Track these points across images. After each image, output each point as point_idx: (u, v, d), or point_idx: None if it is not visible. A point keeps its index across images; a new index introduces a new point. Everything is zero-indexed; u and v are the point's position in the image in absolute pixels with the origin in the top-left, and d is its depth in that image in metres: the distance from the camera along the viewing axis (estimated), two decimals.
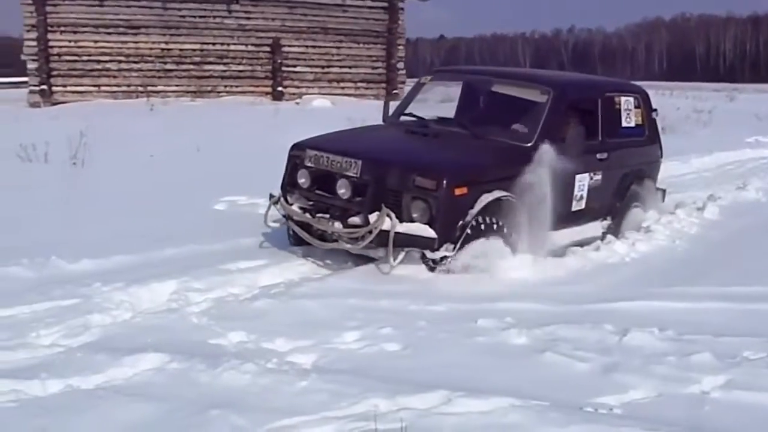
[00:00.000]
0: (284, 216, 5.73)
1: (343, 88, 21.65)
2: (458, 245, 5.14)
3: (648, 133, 7.04)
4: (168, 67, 19.95)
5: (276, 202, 5.71)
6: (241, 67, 20.70)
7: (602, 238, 6.46)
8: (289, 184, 5.74)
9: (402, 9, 22.29)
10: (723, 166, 12.17)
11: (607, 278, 5.57)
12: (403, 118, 6.66)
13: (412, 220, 5.11)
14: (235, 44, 20.53)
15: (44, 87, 18.87)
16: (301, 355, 3.87)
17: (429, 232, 5.03)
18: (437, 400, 3.30)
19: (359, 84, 21.97)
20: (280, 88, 20.90)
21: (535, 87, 6.14)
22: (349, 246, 5.33)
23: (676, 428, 3.15)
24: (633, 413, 3.29)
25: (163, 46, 19.86)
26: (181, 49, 20.00)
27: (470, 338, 4.12)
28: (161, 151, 10.57)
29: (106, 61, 19.41)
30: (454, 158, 5.56)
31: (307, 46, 21.31)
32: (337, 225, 5.26)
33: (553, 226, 5.82)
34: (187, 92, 19.90)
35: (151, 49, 19.77)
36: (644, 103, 6.98)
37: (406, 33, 22.98)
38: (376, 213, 5.08)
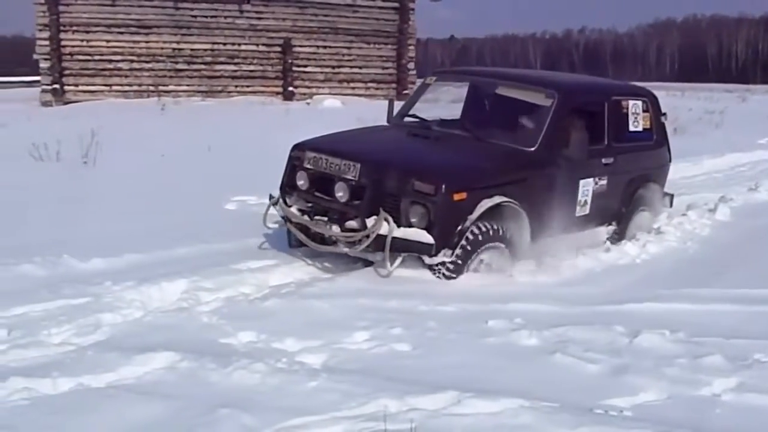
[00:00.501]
0: (283, 218, 5.68)
1: (353, 88, 21.65)
2: (456, 251, 5.08)
3: (656, 137, 6.95)
4: (179, 66, 20.00)
5: (275, 204, 5.68)
6: (251, 67, 20.73)
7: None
8: (287, 186, 5.70)
9: (413, 9, 22.26)
10: (735, 168, 12.10)
11: (618, 280, 5.55)
12: (407, 119, 6.61)
13: (410, 225, 5.05)
14: (246, 44, 20.56)
15: (56, 86, 18.96)
16: (311, 355, 3.87)
17: (426, 238, 4.96)
18: (447, 401, 3.30)
19: (369, 84, 21.97)
20: (290, 88, 20.92)
21: (540, 90, 6.04)
22: (346, 250, 5.27)
23: (686, 431, 3.13)
24: (643, 415, 3.28)
25: (174, 45, 19.91)
26: (192, 49, 20.05)
27: (480, 339, 4.11)
28: (172, 150, 10.60)
29: (117, 61, 19.48)
30: (454, 162, 5.48)
31: (317, 47, 21.32)
32: (335, 228, 5.22)
33: (556, 232, 5.77)
34: (198, 92, 19.94)
35: (162, 48, 19.83)
36: (652, 107, 6.89)
37: (416, 33, 22.96)
38: (374, 217, 5.04)
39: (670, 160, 7.22)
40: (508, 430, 3.08)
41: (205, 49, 20.17)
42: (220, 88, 20.27)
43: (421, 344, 4.01)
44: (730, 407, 3.38)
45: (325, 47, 21.45)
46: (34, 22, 18.92)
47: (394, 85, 22.08)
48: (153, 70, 19.74)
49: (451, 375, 3.61)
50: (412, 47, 22.64)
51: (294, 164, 5.69)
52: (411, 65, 22.44)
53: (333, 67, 21.64)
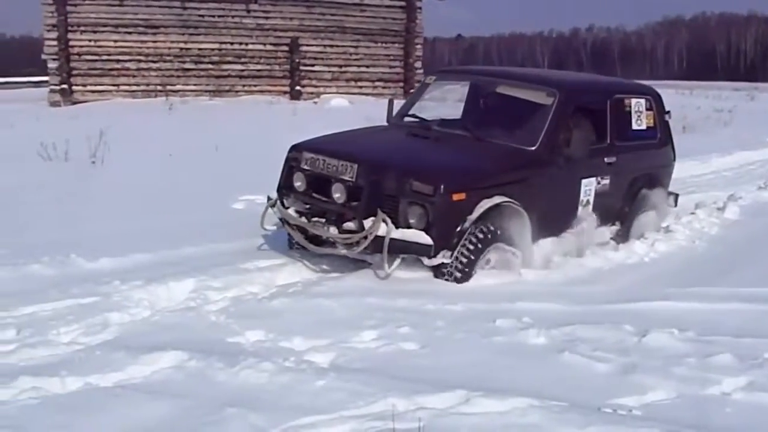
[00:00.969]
0: (280, 219, 5.62)
1: (360, 87, 21.65)
2: (459, 254, 5.03)
3: (660, 136, 6.86)
4: (187, 66, 20.03)
5: (272, 205, 5.61)
6: (259, 67, 20.74)
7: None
8: (285, 187, 5.63)
9: (420, 8, 22.24)
10: (744, 166, 12.07)
11: (627, 278, 5.54)
12: (406, 119, 6.53)
13: (409, 226, 4.98)
14: (253, 43, 20.57)
15: (64, 86, 19.00)
16: (319, 353, 3.87)
17: (425, 239, 4.90)
18: (455, 400, 3.29)
19: (377, 83, 21.96)
20: (298, 88, 20.92)
21: (541, 89, 5.98)
22: (344, 251, 5.21)
23: (696, 430, 3.12)
24: (652, 414, 3.26)
25: (182, 45, 19.94)
26: (199, 49, 20.07)
27: (488, 338, 4.10)
28: (180, 150, 10.61)
29: (125, 61, 19.52)
30: (453, 162, 5.42)
31: (325, 46, 21.33)
32: (332, 230, 5.15)
33: (557, 233, 5.72)
34: (206, 91, 19.97)
35: (170, 48, 19.86)
36: (656, 105, 6.81)
37: (423, 32, 22.96)
38: (372, 218, 4.98)
39: (674, 159, 7.16)
40: (516, 430, 3.07)
41: (213, 49, 20.19)
42: (227, 88, 20.29)
43: (429, 343, 4.01)
44: (740, 406, 3.35)
45: (332, 46, 21.45)
46: (42, 23, 18.97)
47: (401, 84, 22.07)
48: (161, 69, 19.77)
49: (459, 374, 3.60)
50: (419, 46, 22.61)
51: (291, 165, 5.63)
52: (418, 64, 22.42)
53: (340, 66, 21.64)
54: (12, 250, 5.54)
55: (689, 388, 3.50)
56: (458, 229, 5.01)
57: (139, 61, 19.63)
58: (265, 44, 20.69)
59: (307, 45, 21.07)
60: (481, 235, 5.10)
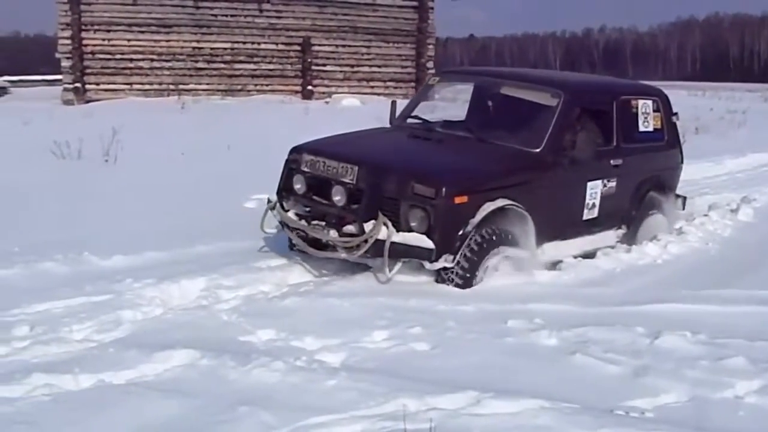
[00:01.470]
0: (280, 222, 5.52)
1: (372, 87, 21.65)
2: (460, 258, 4.94)
3: (667, 138, 6.75)
4: (199, 65, 20.10)
5: (272, 208, 5.52)
6: (271, 66, 20.79)
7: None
8: (284, 190, 5.55)
9: (432, 8, 22.23)
10: (757, 168, 11.99)
11: (639, 280, 5.52)
12: (409, 120, 6.44)
13: (410, 230, 4.89)
14: (265, 43, 20.62)
15: (78, 85, 19.11)
16: (330, 353, 3.87)
17: (427, 243, 4.81)
18: (466, 401, 3.29)
19: (389, 83, 21.96)
20: (309, 87, 20.96)
21: (546, 90, 5.88)
22: (344, 255, 5.10)
23: None
24: (665, 417, 3.25)
25: (194, 44, 20.01)
26: (212, 48, 20.14)
27: (500, 339, 4.09)
28: (192, 148, 10.65)
29: (138, 60, 19.61)
30: (456, 164, 5.32)
31: (337, 45, 21.35)
32: (332, 233, 5.06)
33: (562, 236, 5.65)
34: (218, 91, 20.03)
35: (182, 47, 19.93)
36: (663, 107, 6.69)
37: (435, 32, 22.93)
38: (372, 222, 4.90)
39: (682, 162, 7.05)
40: (527, 431, 3.06)
41: (225, 48, 20.26)
42: (239, 87, 20.35)
43: (440, 344, 4.00)
44: (754, 410, 3.33)
45: (344, 46, 21.47)
46: (57, 21, 19.09)
47: (413, 84, 22.04)
48: (173, 68, 19.85)
49: (471, 375, 3.60)
50: (431, 46, 22.60)
51: (291, 167, 5.55)
52: (430, 64, 22.40)
53: (352, 66, 21.66)
54: (25, 247, 5.57)
55: (702, 391, 3.48)
56: (460, 232, 4.92)
57: (152, 60, 19.72)
58: (277, 44, 20.74)
59: (319, 45, 21.10)
60: (483, 239, 5.02)
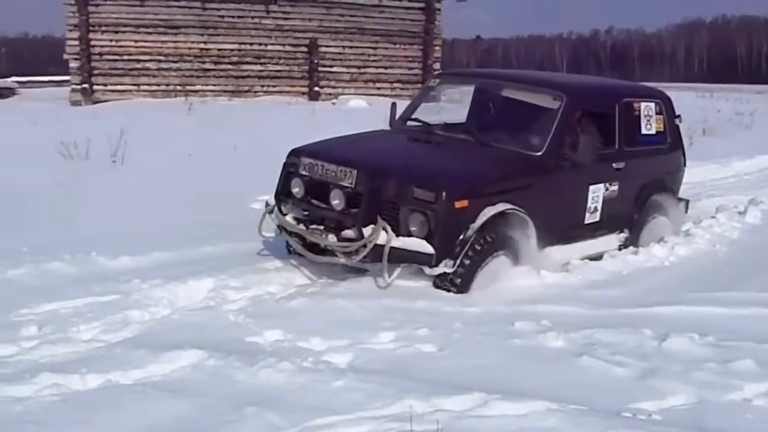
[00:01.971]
0: (278, 226, 5.42)
1: (379, 88, 21.65)
2: (458, 261, 4.86)
3: (670, 141, 6.67)
4: (206, 66, 20.14)
5: (270, 211, 5.44)
6: (278, 67, 20.81)
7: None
8: (283, 193, 5.46)
9: (439, 10, 22.21)
10: (765, 170, 11.94)
11: (646, 282, 5.50)
12: (409, 123, 6.36)
13: (409, 234, 4.82)
14: (272, 44, 20.64)
15: (85, 86, 19.16)
16: (337, 354, 3.87)
17: (426, 248, 4.74)
18: (473, 403, 3.29)
19: (395, 84, 21.95)
20: (316, 88, 20.97)
21: (547, 92, 5.81)
22: (343, 260, 5.04)
23: None
24: (672, 420, 3.24)
25: (201, 46, 20.04)
26: (219, 49, 20.17)
27: (507, 341, 4.09)
28: (199, 149, 10.67)
29: (145, 61, 19.65)
30: (456, 168, 5.25)
31: (343, 47, 21.36)
32: (331, 238, 4.99)
33: (564, 240, 5.59)
34: (225, 92, 20.06)
35: (189, 48, 19.96)
36: (666, 109, 6.63)
37: (442, 34, 22.93)
38: (371, 226, 4.83)
39: (684, 164, 6.99)
40: None
41: (232, 49, 20.28)
42: (246, 88, 20.37)
43: (446, 345, 4.00)
44: (762, 413, 3.33)
45: (351, 47, 21.47)
46: (65, 23, 19.15)
47: (419, 86, 21.98)
48: (180, 69, 19.89)
49: (477, 376, 3.59)
50: (437, 47, 22.59)
51: (289, 171, 5.48)
52: (437, 66, 22.38)
53: (359, 68, 21.67)
54: (33, 247, 5.59)
55: (710, 394, 3.48)
56: (461, 237, 4.85)
57: (159, 61, 19.75)
58: (284, 45, 20.75)
59: (326, 46, 21.11)
60: (481, 244, 4.95)
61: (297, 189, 5.39)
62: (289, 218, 5.33)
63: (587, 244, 5.96)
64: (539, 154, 5.45)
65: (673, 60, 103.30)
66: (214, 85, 20.14)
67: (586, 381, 3.61)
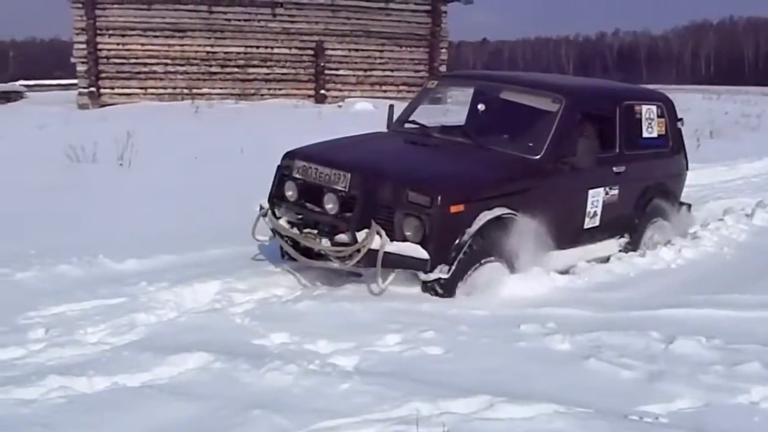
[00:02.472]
0: (272, 230, 5.36)
1: (385, 91, 21.67)
2: (454, 267, 4.78)
3: (672, 144, 6.58)
4: (213, 69, 20.21)
5: (264, 215, 5.38)
6: (284, 70, 20.87)
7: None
8: (276, 197, 5.36)
9: (445, 12, 22.25)
10: None
11: (653, 285, 5.48)
12: (407, 125, 6.28)
13: (404, 239, 4.73)
14: (278, 47, 20.70)
15: (93, 89, 19.26)
16: (343, 357, 3.87)
17: (421, 253, 4.65)
18: (479, 405, 3.28)
19: (401, 87, 21.97)
20: (322, 91, 21.02)
21: (546, 94, 5.72)
22: (336, 265, 4.98)
23: None
24: (679, 423, 3.23)
25: (208, 49, 20.12)
26: (225, 52, 20.24)
27: (513, 343, 4.09)
28: (205, 152, 10.70)
29: (152, 64, 19.74)
30: (452, 171, 5.15)
31: (350, 50, 21.40)
32: (325, 242, 4.91)
33: (562, 245, 5.48)
34: (231, 95, 20.13)
35: (196, 52, 20.04)
36: (668, 112, 6.54)
37: (449, 36, 22.95)
38: (365, 230, 4.74)
39: (686, 168, 6.90)
40: None
41: (239, 53, 20.35)
42: (252, 91, 20.43)
43: (453, 348, 4.00)
44: None
45: (357, 50, 21.52)
46: (72, 26, 19.24)
47: None
48: (187, 73, 19.97)
49: (484, 379, 3.59)
50: (444, 50, 22.62)
51: (283, 174, 5.38)
52: (443, 68, 22.38)
53: (365, 70, 21.71)
54: (41, 250, 5.61)
55: (717, 397, 3.47)
56: (456, 242, 4.78)
57: (166, 64, 19.84)
58: (290, 48, 20.81)
59: (332, 49, 21.16)
60: (472, 249, 4.85)
61: (291, 192, 5.30)
62: (282, 222, 5.26)
63: (586, 249, 5.87)
64: (537, 157, 5.37)
65: (679, 62, 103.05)
66: (220, 88, 20.22)
67: (593, 384, 3.61)
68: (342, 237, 4.87)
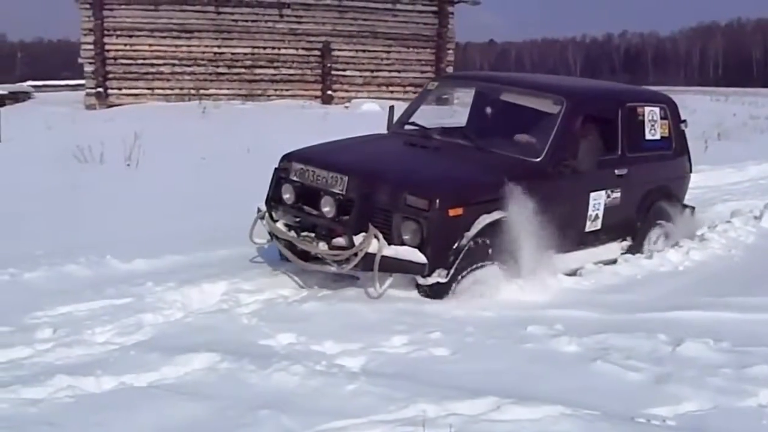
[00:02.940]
0: (269, 233, 5.30)
1: (392, 92, 21.64)
2: (452, 270, 4.74)
3: (675, 147, 6.50)
4: (220, 70, 20.23)
5: (262, 217, 5.32)
6: (291, 71, 20.87)
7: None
8: (273, 199, 5.32)
9: (452, 13, 22.22)
10: None
11: (660, 287, 5.47)
12: (407, 127, 6.20)
13: (402, 243, 4.69)
14: (285, 48, 20.70)
15: (100, 90, 19.29)
16: (350, 358, 3.88)
17: (419, 257, 4.62)
18: (486, 407, 3.28)
19: (408, 88, 21.92)
20: (329, 92, 21.01)
21: (548, 96, 5.67)
22: (333, 268, 4.92)
23: None
24: (686, 425, 3.22)
25: (215, 49, 20.13)
26: (232, 53, 20.25)
27: (519, 345, 4.08)
28: (212, 152, 10.71)
29: (160, 65, 19.75)
30: (451, 174, 5.11)
31: (356, 50, 21.39)
32: (322, 245, 4.87)
33: (563, 249, 5.39)
34: (238, 95, 20.14)
35: (203, 52, 20.06)
36: (671, 114, 6.46)
37: (455, 37, 22.92)
38: (363, 234, 4.69)
39: (690, 171, 6.83)
40: None
41: (246, 53, 20.35)
42: (259, 92, 20.44)
43: (459, 349, 4.00)
44: None
45: (364, 51, 21.50)
46: (80, 27, 19.29)
47: None
48: (194, 73, 19.98)
49: (490, 380, 3.59)
50: (451, 51, 22.57)
51: (280, 176, 5.34)
52: (450, 69, 22.35)
53: (372, 71, 21.69)
54: (48, 250, 5.63)
55: (724, 400, 3.45)
56: (455, 246, 4.74)
57: (173, 65, 19.85)
58: (297, 49, 20.81)
59: (339, 50, 21.15)
60: (469, 252, 4.80)
61: (288, 195, 5.25)
62: (279, 225, 5.21)
63: (588, 253, 5.81)
64: (538, 160, 5.33)
65: (687, 64, 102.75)
66: (227, 88, 20.22)
67: (600, 386, 3.60)
68: (339, 240, 4.83)
